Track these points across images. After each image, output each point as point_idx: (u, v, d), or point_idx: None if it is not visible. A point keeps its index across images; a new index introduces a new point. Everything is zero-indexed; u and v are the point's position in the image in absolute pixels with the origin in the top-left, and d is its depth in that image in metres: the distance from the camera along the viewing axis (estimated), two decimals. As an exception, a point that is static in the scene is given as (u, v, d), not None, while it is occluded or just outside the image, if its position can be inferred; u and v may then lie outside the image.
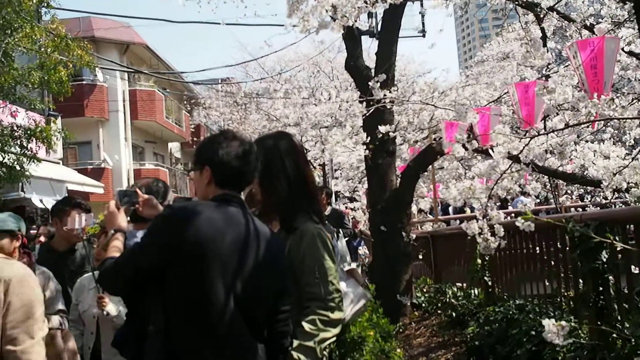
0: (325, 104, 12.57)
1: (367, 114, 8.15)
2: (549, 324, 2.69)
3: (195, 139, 34.95)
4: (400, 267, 9.22)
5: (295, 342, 2.81)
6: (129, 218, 3.25)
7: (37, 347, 2.68)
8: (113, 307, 4.49)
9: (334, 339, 2.95)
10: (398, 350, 7.02)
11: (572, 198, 17.79)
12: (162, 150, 35.11)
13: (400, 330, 8.77)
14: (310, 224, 3.03)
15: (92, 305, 4.63)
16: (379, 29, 9.90)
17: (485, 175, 6.52)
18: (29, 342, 2.64)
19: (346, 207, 16.01)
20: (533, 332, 5.61)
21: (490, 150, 5.76)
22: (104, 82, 27.58)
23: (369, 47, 17.28)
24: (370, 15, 10.66)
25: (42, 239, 6.61)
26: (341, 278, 3.47)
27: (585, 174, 8.46)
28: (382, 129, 8.14)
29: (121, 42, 28.39)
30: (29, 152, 11.71)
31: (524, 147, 4.91)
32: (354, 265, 4.05)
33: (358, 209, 15.59)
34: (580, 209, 12.21)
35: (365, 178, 11.95)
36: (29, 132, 11.58)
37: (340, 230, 7.70)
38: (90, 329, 4.66)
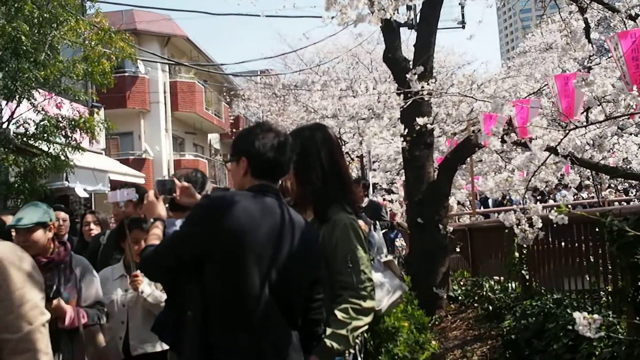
0: (363, 96, 12.58)
1: (405, 106, 8.13)
2: (579, 317, 2.68)
3: (234, 130, 35.13)
4: (436, 260, 9.20)
5: (328, 330, 2.88)
6: (167, 206, 3.33)
7: (37, 335, 2.38)
8: (147, 286, 4.51)
9: (366, 327, 2.99)
10: (433, 342, 7.04)
11: (616, 192, 17.55)
12: (201, 141, 35.40)
13: (436, 322, 8.76)
14: (343, 214, 3.07)
15: (120, 295, 4.67)
16: (417, 21, 9.87)
17: (523, 167, 6.48)
18: (27, 329, 2.36)
19: (384, 199, 16.00)
20: (570, 327, 5.57)
21: (528, 143, 5.72)
22: (145, 74, 27.90)
23: (408, 39, 17.22)
24: (409, 7, 10.62)
25: (92, 226, 6.53)
26: (378, 269, 3.51)
27: (628, 167, 8.35)
28: (420, 121, 8.13)
29: (162, 34, 28.68)
30: (73, 143, 11.93)
31: (561, 139, 4.87)
32: (390, 257, 4.06)
33: (395, 201, 15.58)
34: (625, 203, 12.03)
35: (403, 170, 11.93)
36: (73, 122, 11.80)
37: (377, 222, 7.71)
38: (120, 318, 4.63)
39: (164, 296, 4.19)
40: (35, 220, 4.13)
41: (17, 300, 2.39)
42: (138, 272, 4.53)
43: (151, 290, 4.50)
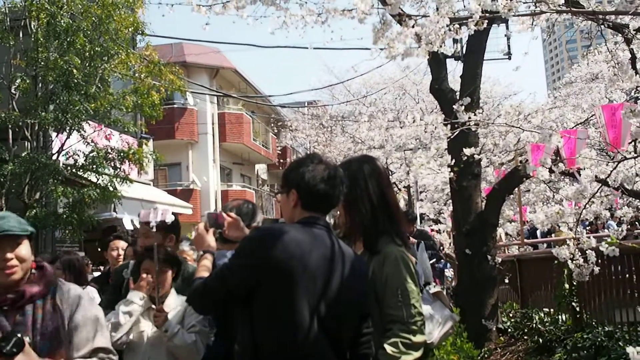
0: (410, 126, 12.60)
1: (452, 137, 8.12)
2: (633, 352, 2.64)
3: (281, 160, 35.46)
4: (485, 291, 9.08)
5: (378, 364, 2.84)
6: (217, 238, 3.35)
7: None
8: (172, 325, 3.84)
9: (416, 362, 2.95)
10: (483, 375, 6.94)
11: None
12: (249, 172, 35.68)
13: (486, 355, 8.62)
14: (394, 247, 3.06)
15: (148, 327, 3.99)
16: (463, 53, 9.88)
17: (574, 199, 6.41)
18: None
19: (431, 230, 15.92)
20: (623, 360, 5.47)
21: (576, 174, 5.68)
22: (194, 105, 28.37)
23: (454, 70, 17.17)
24: (455, 40, 10.64)
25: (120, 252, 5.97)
26: (427, 300, 3.47)
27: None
28: (467, 151, 8.09)
29: (211, 66, 29.13)
30: (122, 174, 12.14)
31: (611, 171, 4.82)
32: (438, 287, 4.03)
33: (443, 231, 15.46)
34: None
35: (450, 200, 11.86)
36: (122, 154, 12.03)
37: (423, 242, 7.65)
38: (147, 354, 3.95)
39: (191, 338, 3.83)
40: (25, 227, 2.88)
41: None
42: (163, 306, 3.97)
43: (177, 330, 3.83)
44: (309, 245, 2.67)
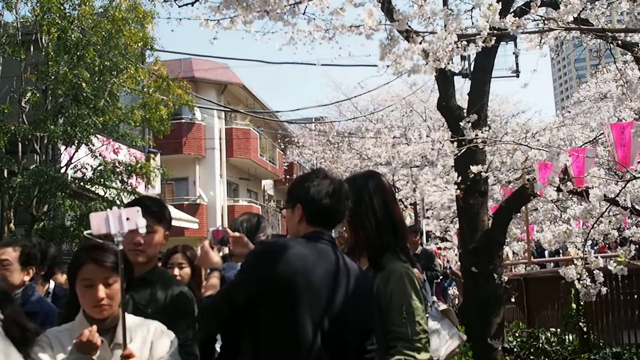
0: (417, 143, 12.60)
1: (459, 154, 8.09)
2: (642, 372, 2.61)
3: (288, 176, 35.49)
4: (491, 310, 9.00)
5: (381, 382, 2.80)
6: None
7: None
8: None
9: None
10: (488, 395, 6.87)
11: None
12: (255, 188, 35.71)
13: (491, 375, 8.57)
14: (398, 263, 3.02)
15: None
16: (471, 70, 9.86)
17: (582, 218, 6.38)
18: None
19: (439, 248, 15.87)
20: (631, 382, 5.41)
21: (585, 193, 5.65)
22: (201, 120, 28.44)
23: (462, 87, 17.20)
24: (463, 57, 10.63)
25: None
26: (435, 317, 3.45)
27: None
28: (474, 169, 8.06)
29: (219, 82, 29.25)
30: (129, 187, 12.16)
31: (620, 190, 4.79)
32: (444, 306, 4.01)
33: (449, 249, 15.40)
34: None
35: (457, 218, 11.82)
36: (129, 168, 12.05)
37: (427, 271, 7.63)
38: None
39: None
40: None
41: None
42: (130, 347, 2.62)
43: None
44: (313, 260, 2.65)
